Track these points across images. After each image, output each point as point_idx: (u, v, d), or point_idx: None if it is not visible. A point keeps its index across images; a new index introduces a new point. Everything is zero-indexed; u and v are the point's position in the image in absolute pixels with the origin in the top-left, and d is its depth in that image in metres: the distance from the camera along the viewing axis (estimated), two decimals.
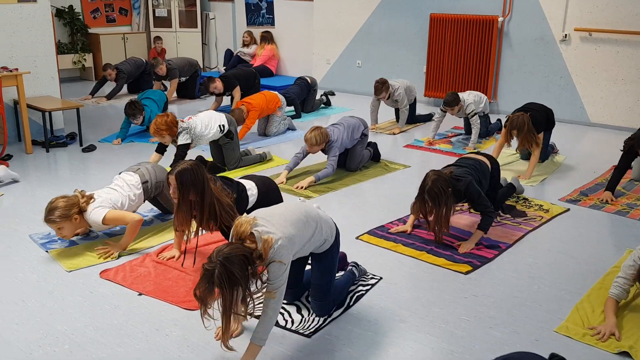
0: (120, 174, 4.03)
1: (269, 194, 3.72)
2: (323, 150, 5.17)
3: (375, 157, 5.71)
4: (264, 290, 2.51)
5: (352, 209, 4.54)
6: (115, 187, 3.88)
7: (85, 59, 10.28)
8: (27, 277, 3.42)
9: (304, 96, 7.85)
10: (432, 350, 2.73)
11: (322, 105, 8.29)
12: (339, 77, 9.64)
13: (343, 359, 2.66)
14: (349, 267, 3.30)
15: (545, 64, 7.49)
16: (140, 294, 3.23)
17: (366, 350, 2.72)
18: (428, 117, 7.62)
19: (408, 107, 7.03)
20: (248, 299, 2.45)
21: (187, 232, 3.40)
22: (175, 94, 8.88)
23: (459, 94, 6.22)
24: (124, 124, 6.47)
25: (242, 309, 2.47)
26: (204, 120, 5.16)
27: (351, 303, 3.11)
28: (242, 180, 3.72)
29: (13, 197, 4.74)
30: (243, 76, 7.99)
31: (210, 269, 2.33)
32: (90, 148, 6.13)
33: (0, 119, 5.79)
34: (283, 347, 2.75)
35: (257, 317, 2.63)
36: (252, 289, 2.45)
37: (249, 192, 3.61)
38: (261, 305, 2.62)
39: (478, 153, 4.36)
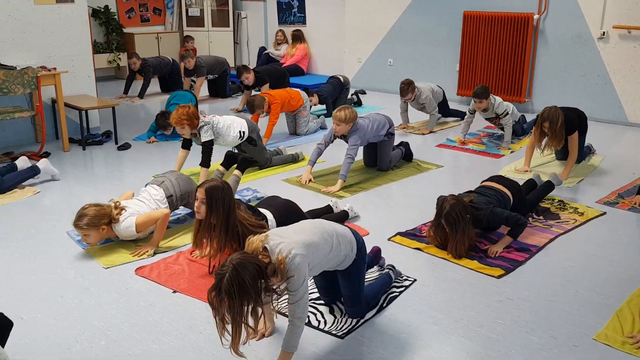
0: (146, 186, 4.08)
1: (289, 221, 3.70)
2: (344, 137, 5.06)
3: (407, 156, 5.66)
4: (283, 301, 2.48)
5: (384, 210, 4.52)
6: (143, 199, 3.93)
7: (120, 58, 10.45)
8: (65, 273, 3.50)
9: (336, 95, 7.84)
10: (467, 353, 2.69)
11: (353, 104, 8.27)
12: (370, 76, 9.60)
13: None
14: (386, 271, 3.28)
15: (582, 63, 7.33)
16: (174, 292, 3.27)
17: (399, 353, 2.70)
18: (461, 114, 7.58)
19: (437, 110, 6.96)
20: (259, 312, 2.41)
21: (203, 250, 3.43)
22: (207, 93, 8.97)
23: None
24: (152, 126, 6.54)
25: (253, 322, 2.41)
26: (226, 121, 5.13)
27: (384, 304, 3.10)
28: (262, 210, 3.64)
29: (51, 195, 4.85)
30: (274, 74, 8.08)
31: (221, 274, 2.28)
32: (125, 146, 6.23)
33: (39, 118, 5.93)
34: (315, 348, 2.75)
35: (285, 315, 2.61)
36: (264, 300, 2.41)
37: (269, 223, 3.54)
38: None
39: (500, 181, 4.15)
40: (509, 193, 4.02)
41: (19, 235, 4.01)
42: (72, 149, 6.14)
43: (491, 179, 4.24)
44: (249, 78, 7.66)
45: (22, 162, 5.08)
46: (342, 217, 4.15)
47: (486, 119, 6.36)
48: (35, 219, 4.30)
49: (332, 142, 5.16)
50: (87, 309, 3.10)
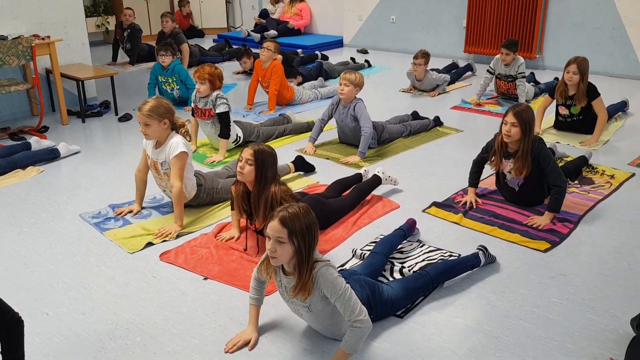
0: None
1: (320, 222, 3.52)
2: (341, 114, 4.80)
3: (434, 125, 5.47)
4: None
5: (410, 179, 4.31)
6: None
7: (108, 22, 10.00)
8: (85, 261, 3.28)
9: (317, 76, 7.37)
10: (528, 338, 2.54)
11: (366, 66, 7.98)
12: (372, 34, 9.27)
13: (435, 349, 2.49)
14: (476, 252, 3.06)
15: (596, 15, 7.08)
16: (205, 278, 3.08)
17: (456, 339, 2.55)
18: (468, 67, 7.40)
19: (446, 78, 6.72)
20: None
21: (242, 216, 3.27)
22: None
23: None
24: (150, 94, 6.20)
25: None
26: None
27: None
28: None
29: (56, 173, 4.58)
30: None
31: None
32: (127, 117, 5.94)
33: (35, 90, 5.60)
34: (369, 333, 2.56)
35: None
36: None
37: None
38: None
39: None
40: None
41: (29, 220, 3.78)
42: (70, 121, 5.84)
43: None
44: (247, 63, 7.27)
45: (36, 144, 4.83)
46: (374, 184, 3.94)
47: (501, 79, 6.10)
48: (44, 201, 4.06)
49: (332, 117, 4.90)
50: (115, 300, 2.90)
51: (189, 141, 3.65)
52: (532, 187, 3.65)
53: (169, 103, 3.60)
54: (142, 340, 2.60)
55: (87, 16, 9.62)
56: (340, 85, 4.71)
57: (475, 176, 3.88)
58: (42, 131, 5.49)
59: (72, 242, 3.49)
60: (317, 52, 8.37)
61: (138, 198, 3.83)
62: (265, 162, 3.01)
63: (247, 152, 3.03)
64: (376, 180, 3.94)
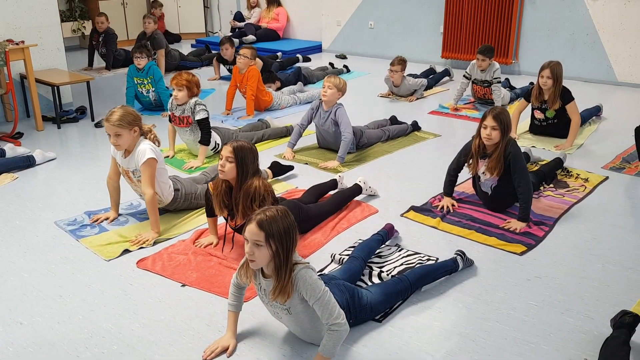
0: None
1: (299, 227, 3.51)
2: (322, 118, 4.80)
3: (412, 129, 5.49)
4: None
5: (388, 183, 4.33)
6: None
7: (84, 27, 9.91)
8: (60, 269, 3.23)
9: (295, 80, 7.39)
10: (505, 340, 2.56)
11: (345, 72, 7.98)
12: (350, 40, 9.31)
13: (413, 352, 2.50)
14: (454, 256, 3.08)
15: (570, 21, 7.20)
16: (183, 285, 3.05)
17: (434, 342, 2.56)
18: (446, 72, 7.45)
19: (423, 82, 6.76)
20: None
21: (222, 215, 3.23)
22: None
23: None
24: (128, 100, 6.15)
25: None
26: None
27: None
28: None
29: (30, 180, 4.52)
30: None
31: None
32: (103, 123, 5.86)
33: (9, 96, 5.52)
34: (349, 334, 2.56)
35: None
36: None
37: None
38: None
39: None
40: None
41: (3, 228, 3.72)
42: (45, 127, 5.76)
43: None
44: (229, 50, 7.25)
45: (11, 151, 4.76)
46: (354, 192, 3.95)
47: (478, 84, 6.16)
48: (19, 209, 4.00)
49: (311, 121, 4.90)
50: (91, 308, 2.87)
51: (159, 146, 3.61)
52: (504, 189, 3.66)
53: (135, 110, 3.55)
54: (119, 349, 2.57)
55: (62, 21, 9.56)
56: (324, 87, 4.71)
57: (448, 185, 3.90)
58: (16, 137, 5.41)
59: (47, 249, 3.44)
60: (298, 55, 8.38)
61: (113, 205, 3.80)
62: (245, 158, 3.01)
63: (227, 150, 3.02)
64: (357, 189, 3.96)
